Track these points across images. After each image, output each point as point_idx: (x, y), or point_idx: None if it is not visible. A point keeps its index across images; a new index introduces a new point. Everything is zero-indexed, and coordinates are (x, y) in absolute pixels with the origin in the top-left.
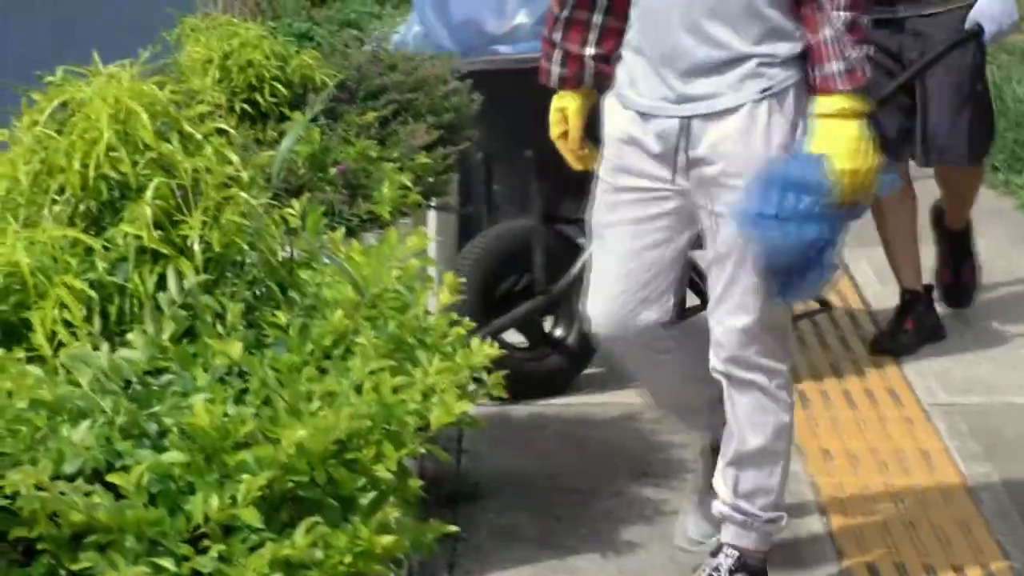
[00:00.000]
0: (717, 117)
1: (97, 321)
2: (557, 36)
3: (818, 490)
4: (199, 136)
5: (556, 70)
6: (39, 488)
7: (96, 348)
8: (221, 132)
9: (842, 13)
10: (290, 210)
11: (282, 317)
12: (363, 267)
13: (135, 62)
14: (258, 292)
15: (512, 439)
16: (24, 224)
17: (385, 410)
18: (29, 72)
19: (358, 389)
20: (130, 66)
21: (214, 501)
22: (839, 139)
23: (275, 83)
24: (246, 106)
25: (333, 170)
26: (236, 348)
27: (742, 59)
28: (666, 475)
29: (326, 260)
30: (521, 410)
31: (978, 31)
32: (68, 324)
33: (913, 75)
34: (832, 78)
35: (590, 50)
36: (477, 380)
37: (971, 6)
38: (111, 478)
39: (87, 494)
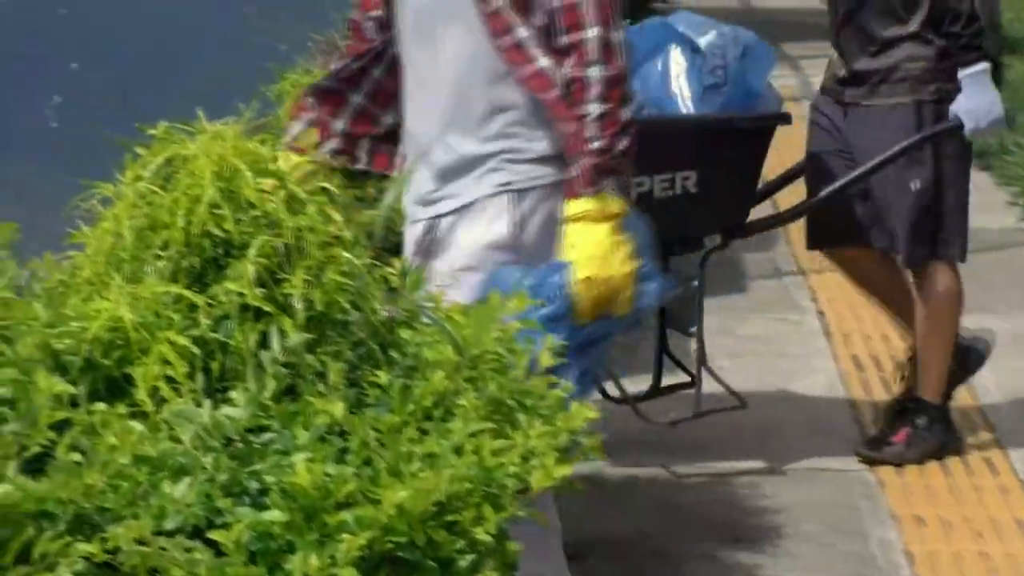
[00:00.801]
0: (454, 214)
1: (200, 378)
2: (311, 100)
3: (911, 558)
4: (302, 195)
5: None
6: (140, 543)
7: (199, 405)
8: (323, 190)
9: (591, 106)
10: (390, 269)
11: (383, 377)
12: (463, 328)
13: (239, 119)
14: (359, 352)
15: (604, 501)
16: (128, 279)
17: (485, 473)
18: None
19: (458, 451)
20: (234, 123)
21: (313, 560)
22: (582, 245)
23: None
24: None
25: None
26: (338, 407)
27: (484, 158)
28: (758, 541)
29: (426, 320)
30: (614, 472)
31: (960, 125)
32: (171, 380)
33: (864, 174)
34: (575, 179)
35: (339, 124)
36: (575, 442)
37: (920, 104)
38: (212, 535)
39: (188, 550)
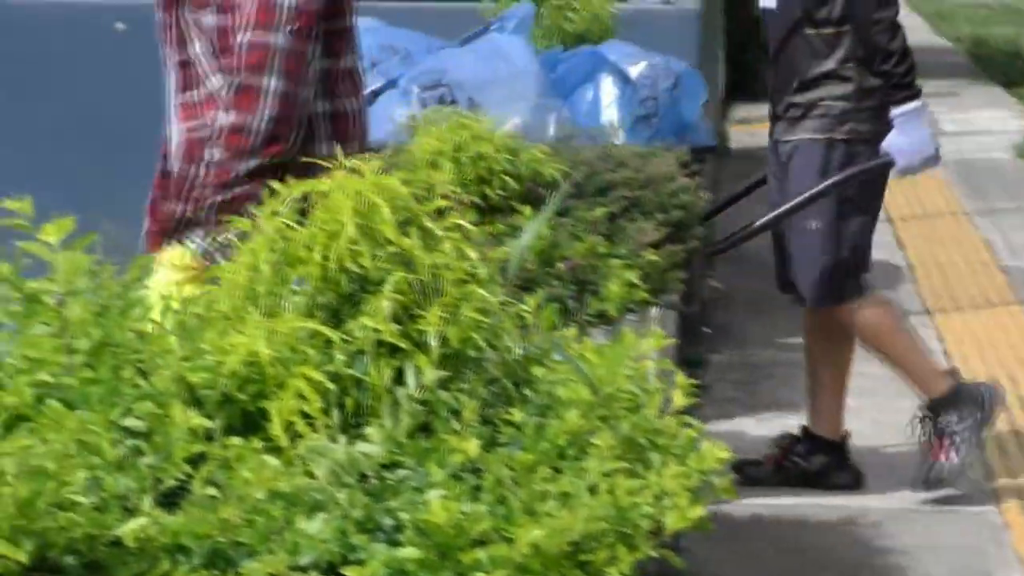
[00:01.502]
0: None
1: (335, 414)
2: None
3: None
4: (439, 231)
5: None
6: None
7: (334, 441)
8: (458, 227)
9: (215, 150)
10: (524, 307)
11: (517, 415)
12: (597, 366)
13: (376, 155)
14: (493, 389)
15: (729, 540)
16: (264, 314)
17: (619, 512)
18: None
19: (593, 490)
20: (371, 159)
21: None
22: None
23: (505, 176)
24: (476, 199)
25: (561, 265)
26: (473, 445)
27: None
28: None
29: (560, 358)
30: (739, 510)
31: (891, 162)
32: (306, 415)
33: (777, 218)
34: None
35: None
36: (707, 483)
37: (831, 142)
38: (346, 571)
39: None
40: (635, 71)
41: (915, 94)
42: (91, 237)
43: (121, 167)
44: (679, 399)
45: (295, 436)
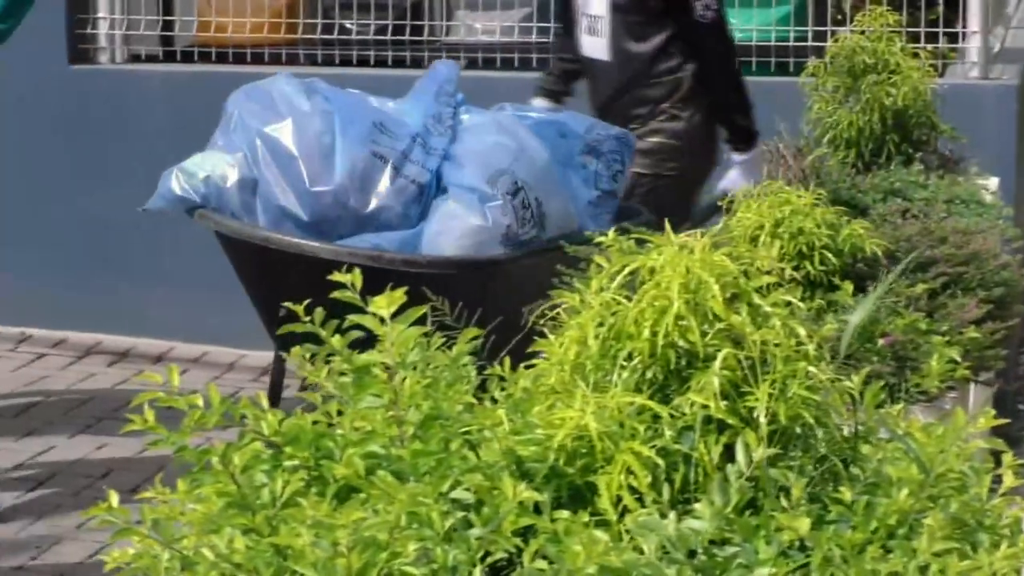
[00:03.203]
0: None
1: (665, 489)
2: None
3: None
4: (767, 307)
5: None
6: None
7: (663, 516)
8: (786, 304)
9: None
10: (848, 383)
11: (846, 493)
12: (926, 444)
13: (706, 231)
14: (822, 467)
15: None
16: (592, 388)
17: None
18: None
19: (923, 570)
20: (699, 235)
21: None
22: None
23: (825, 252)
24: (795, 273)
25: (881, 341)
26: (804, 523)
27: None
28: None
29: (887, 436)
30: None
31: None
32: (634, 490)
33: None
34: None
35: None
36: None
37: (658, 177)
38: None
39: None
40: (606, 147)
41: (751, 143)
42: (420, 310)
43: None
44: (1009, 479)
45: (623, 511)
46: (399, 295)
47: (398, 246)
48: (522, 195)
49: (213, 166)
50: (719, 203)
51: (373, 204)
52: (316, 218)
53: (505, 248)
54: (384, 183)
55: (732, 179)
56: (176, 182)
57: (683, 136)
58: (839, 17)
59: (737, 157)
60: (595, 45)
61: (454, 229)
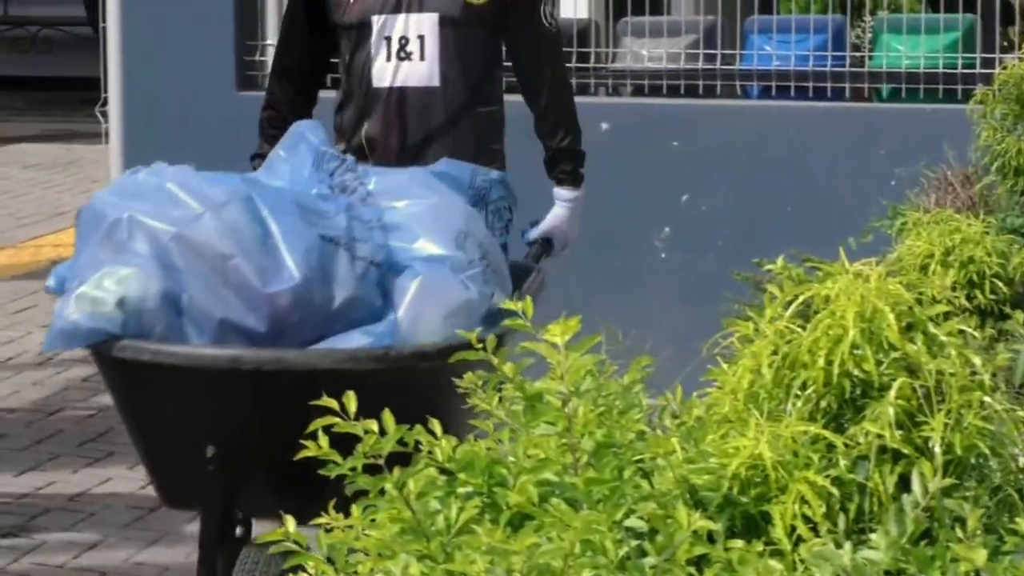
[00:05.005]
0: None
1: (840, 519)
2: None
3: None
4: (942, 336)
5: None
6: None
7: (838, 546)
8: (960, 332)
9: None
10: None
11: (1022, 524)
12: None
13: (879, 260)
14: (997, 498)
15: None
16: (767, 417)
17: None
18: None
19: None
20: (874, 264)
21: None
22: None
23: (995, 280)
24: (966, 303)
25: None
26: (980, 554)
27: None
28: None
29: None
30: None
31: (547, 247)
32: (807, 520)
33: None
34: None
35: None
36: None
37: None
38: None
39: None
40: (495, 193)
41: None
42: (595, 339)
43: (603, 266)
44: None
45: (797, 540)
46: (574, 324)
47: (377, 345)
48: (489, 258)
49: (123, 286)
50: (540, 251)
51: (339, 298)
52: (275, 326)
53: (485, 325)
54: (344, 270)
55: (557, 220)
56: (79, 313)
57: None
58: (1006, 44)
59: (566, 193)
60: (409, 72)
61: (434, 312)
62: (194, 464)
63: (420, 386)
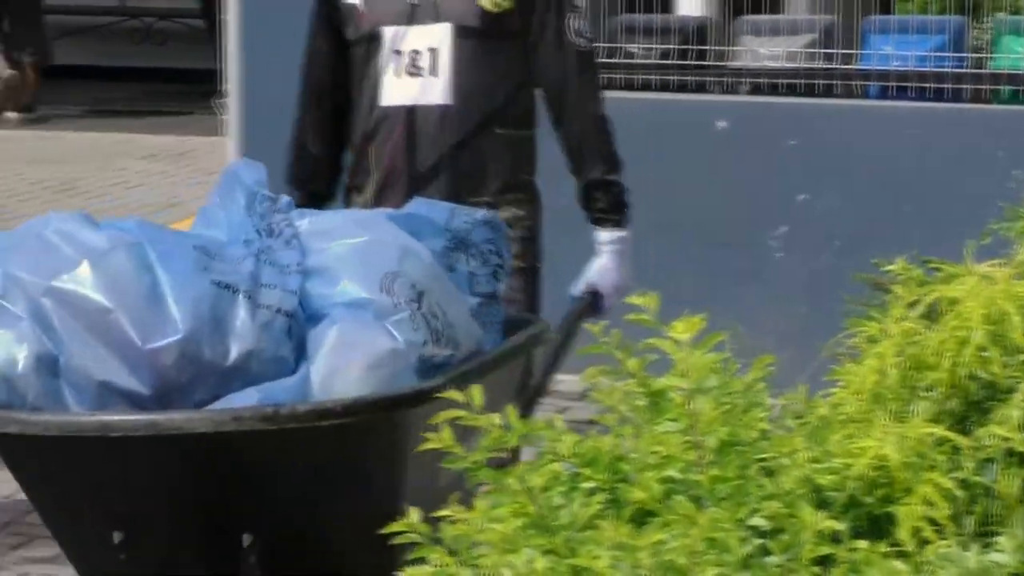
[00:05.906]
0: None
1: (967, 521)
2: None
3: None
4: None
5: None
6: None
7: (964, 548)
8: None
9: None
10: None
11: None
12: None
13: (1009, 262)
14: None
15: None
16: (892, 418)
17: None
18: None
19: None
20: (1003, 265)
21: None
22: None
23: None
24: None
25: None
26: None
27: None
28: None
29: None
30: None
31: (593, 300)
32: (932, 522)
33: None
34: None
35: None
36: None
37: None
38: None
39: None
40: (477, 235)
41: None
42: (718, 336)
43: (720, 265)
44: None
45: (922, 542)
46: (698, 321)
47: (269, 401)
48: (426, 302)
49: None
50: (585, 304)
51: (235, 352)
52: (160, 386)
53: (420, 377)
54: (241, 320)
55: (603, 270)
56: None
57: (538, 211)
58: None
59: (606, 236)
60: (420, 89)
61: (354, 363)
62: (101, 545)
63: (336, 446)
